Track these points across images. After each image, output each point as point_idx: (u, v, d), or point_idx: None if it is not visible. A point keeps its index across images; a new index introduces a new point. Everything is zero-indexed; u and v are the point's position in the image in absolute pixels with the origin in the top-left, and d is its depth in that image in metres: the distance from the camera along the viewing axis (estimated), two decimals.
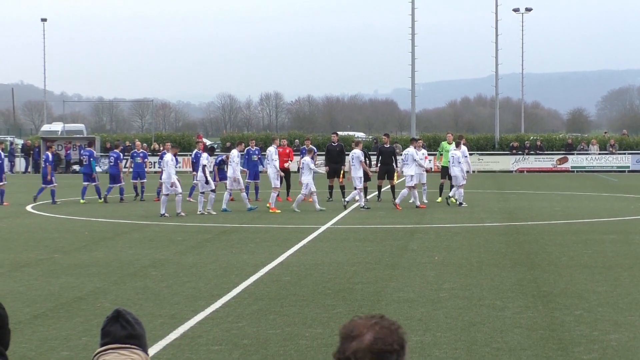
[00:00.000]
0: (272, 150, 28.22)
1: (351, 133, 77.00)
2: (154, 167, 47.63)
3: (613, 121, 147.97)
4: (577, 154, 56.88)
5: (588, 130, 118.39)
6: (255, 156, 32.28)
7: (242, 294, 12.85)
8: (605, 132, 68.13)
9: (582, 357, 9.11)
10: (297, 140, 59.61)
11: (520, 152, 57.37)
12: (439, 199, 29.47)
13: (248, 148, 32.71)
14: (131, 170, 32.95)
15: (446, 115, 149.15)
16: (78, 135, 66.22)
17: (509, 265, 15.31)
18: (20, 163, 60.33)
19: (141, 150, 33.96)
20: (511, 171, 55.35)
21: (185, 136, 64.36)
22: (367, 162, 30.74)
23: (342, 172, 30.88)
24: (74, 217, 25.79)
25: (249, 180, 31.77)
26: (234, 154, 28.10)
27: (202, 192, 26.65)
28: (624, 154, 56.62)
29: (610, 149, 56.78)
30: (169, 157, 26.52)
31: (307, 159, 27.34)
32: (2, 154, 31.79)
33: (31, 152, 59.71)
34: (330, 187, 30.98)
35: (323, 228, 21.91)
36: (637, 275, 14.19)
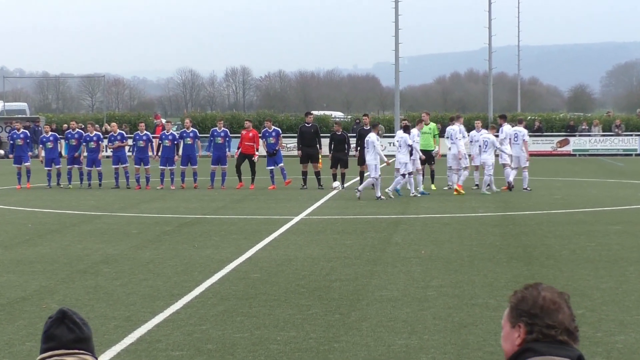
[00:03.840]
0: (414, 132, 28.61)
1: (327, 113, 76.96)
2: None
3: (619, 99, 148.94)
4: (580, 135, 57.23)
5: (591, 110, 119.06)
6: (220, 138, 32.06)
7: (206, 293, 12.84)
8: (608, 112, 68.36)
9: None
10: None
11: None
12: (421, 186, 29.71)
13: (213, 129, 32.68)
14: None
15: (434, 92, 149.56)
16: (20, 115, 65.77)
17: (504, 260, 15.40)
18: None
19: (145, 132, 33.26)
20: None
21: (141, 116, 64.09)
22: (347, 147, 30.94)
23: (319, 156, 31.00)
24: (15, 207, 25.64)
25: (213, 166, 31.88)
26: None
27: (410, 174, 27.40)
28: (631, 135, 57.00)
29: (616, 130, 57.14)
30: (374, 137, 26.93)
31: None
32: None
33: None
34: (304, 173, 31.03)
35: (296, 219, 21.94)
36: None
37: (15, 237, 19.06)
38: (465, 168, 29.16)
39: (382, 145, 27.56)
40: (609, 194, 28.25)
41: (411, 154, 27.41)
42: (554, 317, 3.53)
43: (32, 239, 18.84)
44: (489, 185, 28.60)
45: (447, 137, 29.94)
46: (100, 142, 33.24)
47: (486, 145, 28.72)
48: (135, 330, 10.61)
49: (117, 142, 32.74)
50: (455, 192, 28.19)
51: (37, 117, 61.45)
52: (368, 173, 29.85)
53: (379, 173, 26.94)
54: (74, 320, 3.76)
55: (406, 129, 27.86)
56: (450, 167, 29.29)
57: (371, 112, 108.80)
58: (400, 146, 27.34)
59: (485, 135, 29.26)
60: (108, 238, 18.73)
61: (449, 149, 29.63)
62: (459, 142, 29.21)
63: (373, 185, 26.92)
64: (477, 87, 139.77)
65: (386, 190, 27.05)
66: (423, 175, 28.88)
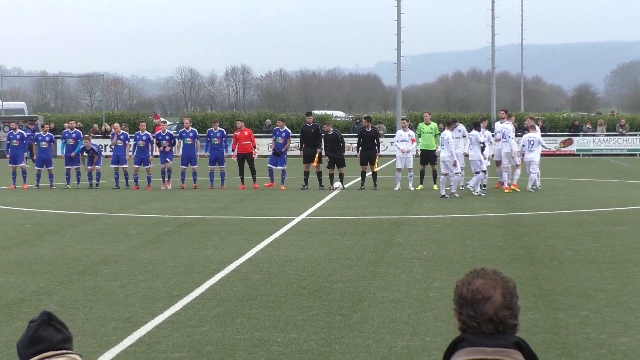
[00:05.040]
0: (508, 128, 29.38)
1: (329, 112, 77.01)
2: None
3: (624, 98, 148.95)
4: (584, 135, 57.21)
5: (595, 109, 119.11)
6: (216, 139, 32.14)
7: (206, 294, 12.85)
8: (613, 112, 68.40)
9: None
10: (268, 120, 59.58)
11: (519, 134, 57.61)
12: (420, 187, 29.93)
13: (209, 130, 32.75)
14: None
15: (436, 91, 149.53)
16: (18, 115, 65.80)
17: (507, 261, 15.40)
18: None
19: (145, 132, 32.96)
20: None
21: (140, 115, 64.10)
22: (342, 146, 30.99)
23: (317, 156, 30.96)
24: (13, 207, 25.66)
25: (210, 166, 31.89)
26: (509, 127, 29.38)
27: (477, 172, 27.74)
28: (636, 135, 56.98)
29: (621, 129, 57.13)
30: (449, 134, 27.33)
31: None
32: None
33: None
34: (306, 174, 31.05)
35: (297, 219, 21.95)
36: None
37: (13, 238, 19.07)
38: (517, 166, 29.68)
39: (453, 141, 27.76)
40: (613, 195, 28.24)
41: (482, 150, 28.02)
42: (477, 308, 3.50)
43: (31, 239, 18.85)
44: (534, 183, 29.25)
45: (500, 136, 30.06)
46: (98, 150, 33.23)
47: (532, 144, 29.06)
48: (134, 331, 10.62)
49: (119, 140, 32.63)
50: (508, 190, 28.67)
51: (35, 117, 61.49)
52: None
53: (459, 170, 27.61)
54: (60, 320, 3.78)
55: (476, 126, 28.40)
56: (507, 166, 29.34)
57: (373, 111, 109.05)
58: (471, 143, 28.05)
59: (530, 134, 29.67)
60: (107, 239, 18.74)
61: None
62: (511, 140, 29.47)
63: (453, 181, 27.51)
64: (480, 86, 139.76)
65: (468, 187, 28.04)
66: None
